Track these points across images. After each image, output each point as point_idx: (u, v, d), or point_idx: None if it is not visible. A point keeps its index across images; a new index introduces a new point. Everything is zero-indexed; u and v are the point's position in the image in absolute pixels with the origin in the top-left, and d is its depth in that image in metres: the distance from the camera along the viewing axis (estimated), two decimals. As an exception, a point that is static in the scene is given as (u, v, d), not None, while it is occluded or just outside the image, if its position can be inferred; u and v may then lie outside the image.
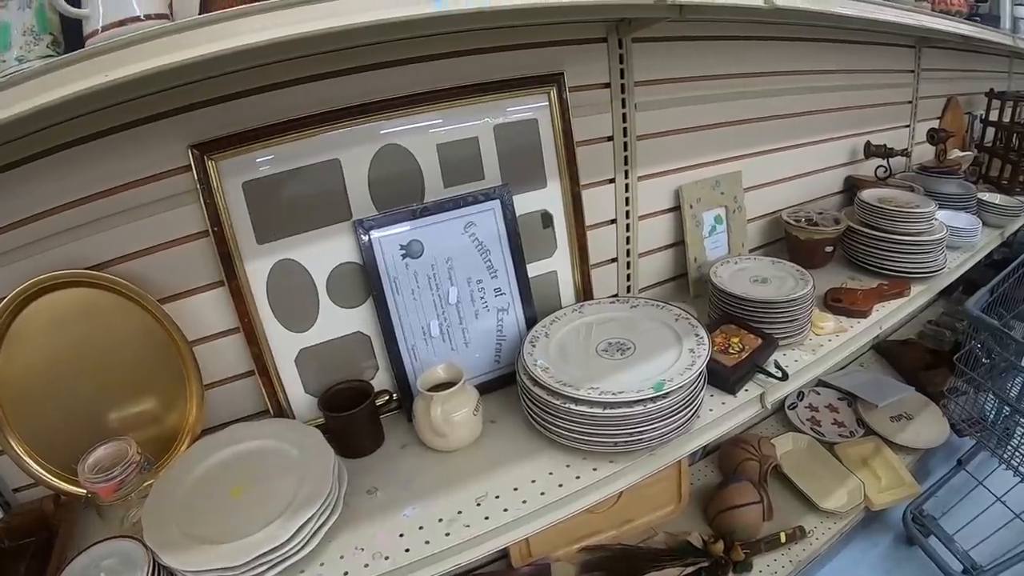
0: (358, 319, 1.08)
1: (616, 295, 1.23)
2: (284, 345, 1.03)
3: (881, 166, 1.83)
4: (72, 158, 0.86)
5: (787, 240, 1.61)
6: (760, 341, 1.17)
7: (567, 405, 0.95)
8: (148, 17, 0.61)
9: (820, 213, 1.63)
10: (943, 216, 1.76)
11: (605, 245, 1.33)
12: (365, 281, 1.05)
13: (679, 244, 1.45)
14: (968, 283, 2.25)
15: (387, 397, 1.11)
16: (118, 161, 0.88)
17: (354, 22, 0.59)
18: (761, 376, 1.14)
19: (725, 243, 1.50)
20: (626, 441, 0.95)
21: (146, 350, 0.93)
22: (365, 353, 1.10)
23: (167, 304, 0.94)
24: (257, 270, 0.98)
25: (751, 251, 1.61)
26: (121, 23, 0.60)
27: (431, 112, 1.05)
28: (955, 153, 2.03)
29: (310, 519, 0.79)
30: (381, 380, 1.12)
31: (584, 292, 1.26)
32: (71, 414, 0.90)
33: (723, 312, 1.27)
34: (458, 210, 1.09)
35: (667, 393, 0.94)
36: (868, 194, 1.64)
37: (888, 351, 2.26)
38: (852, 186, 1.84)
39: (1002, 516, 1.63)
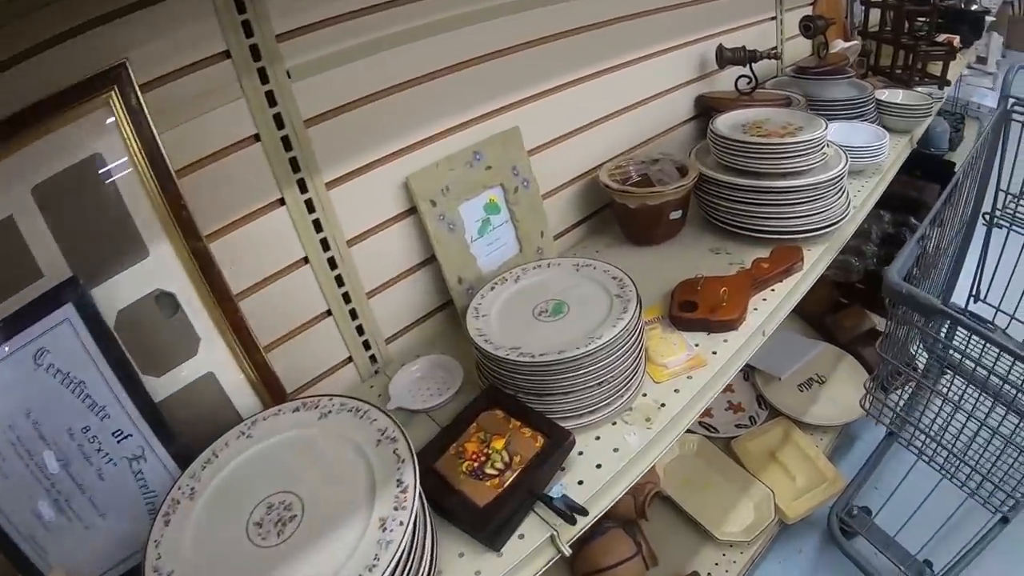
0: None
1: (304, 399, 0.72)
2: None
3: (743, 76, 1.34)
4: None
5: (613, 210, 1.13)
6: (543, 440, 0.70)
7: None
8: None
9: (657, 161, 1.15)
10: (837, 133, 1.30)
11: (306, 297, 0.83)
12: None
13: (433, 260, 0.94)
14: (888, 198, 1.81)
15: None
16: None
17: None
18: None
19: (512, 239, 1.00)
20: None
21: None
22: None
23: None
24: None
25: (559, 237, 1.12)
26: None
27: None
28: (838, 45, 1.56)
29: None
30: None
31: (267, 387, 0.77)
32: None
33: (490, 383, 0.79)
34: (16, 338, 0.66)
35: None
36: (725, 121, 1.16)
37: (789, 297, 1.84)
38: (707, 108, 1.36)
39: (955, 496, 1.25)
